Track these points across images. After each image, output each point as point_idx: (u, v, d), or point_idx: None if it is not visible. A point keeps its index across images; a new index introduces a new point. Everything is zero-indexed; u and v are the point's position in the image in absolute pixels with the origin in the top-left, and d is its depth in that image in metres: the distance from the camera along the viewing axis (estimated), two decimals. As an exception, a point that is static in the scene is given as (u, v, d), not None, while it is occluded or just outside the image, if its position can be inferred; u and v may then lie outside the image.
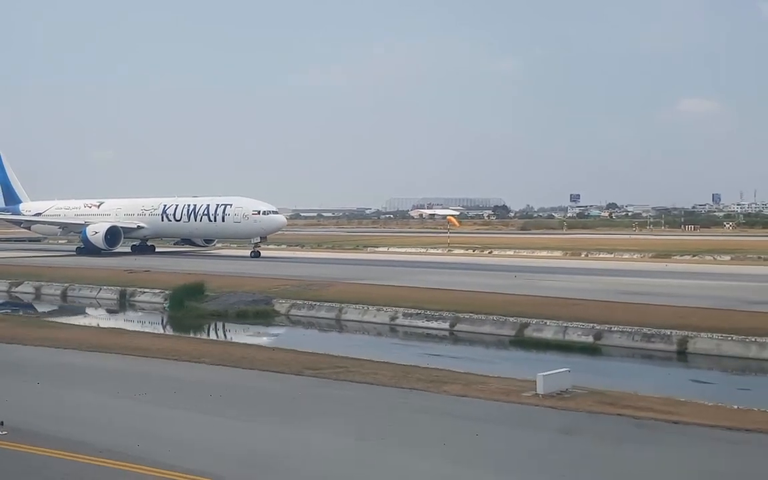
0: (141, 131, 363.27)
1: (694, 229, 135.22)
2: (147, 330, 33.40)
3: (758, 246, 76.63)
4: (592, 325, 31.25)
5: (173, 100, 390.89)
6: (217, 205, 70.88)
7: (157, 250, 78.24)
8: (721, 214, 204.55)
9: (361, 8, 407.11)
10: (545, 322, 32.17)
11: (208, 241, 78.95)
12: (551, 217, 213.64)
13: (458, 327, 33.95)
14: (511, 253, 76.09)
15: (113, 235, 71.60)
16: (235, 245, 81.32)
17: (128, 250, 75.10)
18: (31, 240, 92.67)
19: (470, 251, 78.72)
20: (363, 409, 17.52)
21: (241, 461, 13.28)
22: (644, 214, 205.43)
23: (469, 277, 46.96)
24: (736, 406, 18.45)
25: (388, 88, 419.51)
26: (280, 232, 74.14)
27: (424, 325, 34.81)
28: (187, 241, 79.18)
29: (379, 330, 35.68)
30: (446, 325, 34.23)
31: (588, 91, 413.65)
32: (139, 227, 75.47)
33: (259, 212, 68.30)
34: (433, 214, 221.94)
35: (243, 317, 37.57)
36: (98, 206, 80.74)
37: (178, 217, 73.69)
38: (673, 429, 15.60)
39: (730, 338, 28.48)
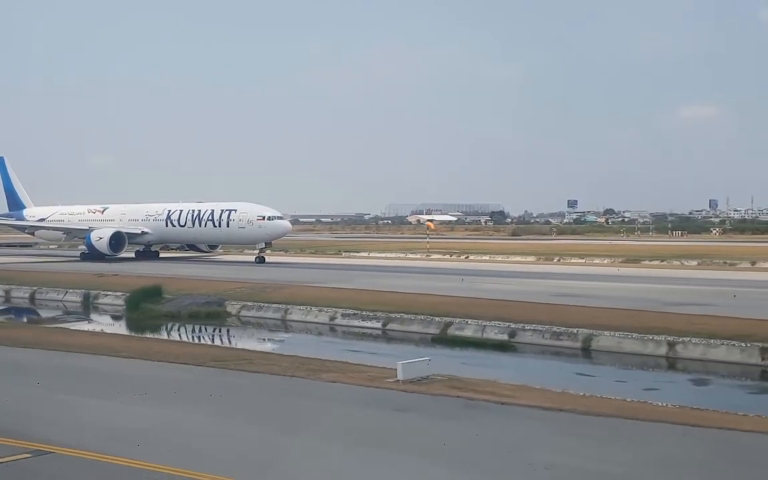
0: (141, 132, 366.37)
1: (681, 235, 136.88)
2: (88, 329, 35.76)
3: (732, 251, 78.31)
4: (508, 324, 33.44)
5: (172, 101, 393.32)
6: (222, 210, 71.58)
7: (161, 255, 78.96)
8: (717, 219, 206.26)
9: (361, 11, 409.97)
10: (467, 322, 34.39)
11: (213, 247, 79.85)
12: (548, 222, 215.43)
13: (390, 326, 36.21)
14: (486, 258, 78.31)
15: (118, 240, 71.81)
16: (219, 249, 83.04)
17: (132, 255, 75.73)
18: (22, 245, 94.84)
19: (447, 256, 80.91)
20: (240, 392, 19.85)
21: (110, 434, 15.39)
22: (640, 220, 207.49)
23: (421, 280, 49.13)
24: (582, 393, 20.68)
25: (389, 91, 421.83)
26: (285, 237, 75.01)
27: (359, 325, 37.09)
28: (191, 246, 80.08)
29: (319, 329, 37.93)
30: (379, 325, 36.51)
31: (588, 96, 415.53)
32: (143, 233, 75.94)
33: (263, 218, 69.00)
34: (431, 220, 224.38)
35: (195, 318, 39.88)
36: (102, 212, 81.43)
37: (182, 222, 74.40)
38: (496, 408, 17.85)
39: (630, 336, 30.65)
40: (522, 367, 28.32)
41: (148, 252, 77.87)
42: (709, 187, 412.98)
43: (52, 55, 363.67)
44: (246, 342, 31.61)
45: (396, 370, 20.71)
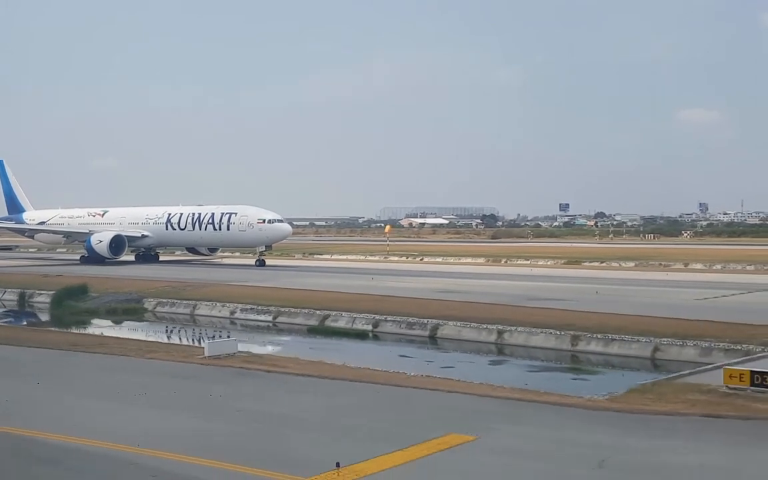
0: (141, 136, 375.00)
1: (654, 238, 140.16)
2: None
3: (682, 253, 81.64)
4: (374, 316, 37.63)
5: (173, 105, 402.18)
6: (222, 213, 72.37)
7: (160, 259, 79.83)
8: (705, 223, 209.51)
9: (360, 19, 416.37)
10: (341, 314, 38.63)
11: (213, 250, 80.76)
12: (538, 226, 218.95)
13: (279, 319, 40.47)
14: (439, 260, 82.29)
15: (118, 243, 72.65)
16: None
17: (132, 259, 76.83)
18: (2, 248, 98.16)
19: (404, 258, 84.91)
20: (71, 368, 24.01)
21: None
22: (629, 223, 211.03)
23: (341, 279, 52.98)
24: (359, 366, 24.80)
25: (388, 95, 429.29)
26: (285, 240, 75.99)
27: (254, 318, 41.38)
28: (191, 250, 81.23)
29: (221, 323, 42.15)
30: (270, 318, 40.79)
31: (586, 100, 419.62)
32: (143, 236, 76.74)
33: (264, 221, 69.83)
34: (424, 223, 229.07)
35: (112, 314, 44.20)
36: (102, 215, 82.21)
37: (182, 225, 75.12)
38: (261, 375, 22.11)
39: (469, 325, 34.80)
40: (351, 350, 32.44)
41: (148, 255, 79.06)
42: (702, 190, 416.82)
43: (52, 57, 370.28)
44: (119, 332, 36.26)
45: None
